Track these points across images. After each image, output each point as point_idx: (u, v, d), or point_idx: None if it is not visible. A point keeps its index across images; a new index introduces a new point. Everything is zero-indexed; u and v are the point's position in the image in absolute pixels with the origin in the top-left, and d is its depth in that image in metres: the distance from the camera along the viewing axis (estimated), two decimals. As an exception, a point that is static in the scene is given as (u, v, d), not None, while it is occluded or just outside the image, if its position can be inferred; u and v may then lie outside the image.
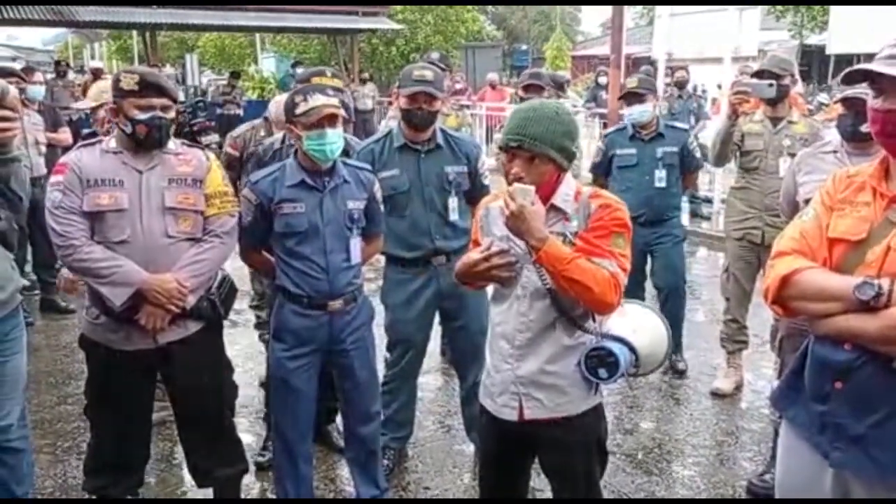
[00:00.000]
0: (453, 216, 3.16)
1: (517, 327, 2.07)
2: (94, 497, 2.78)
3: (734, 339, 4.27)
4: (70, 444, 3.63)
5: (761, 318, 4.44)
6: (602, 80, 11.99)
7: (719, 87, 9.44)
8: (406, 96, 3.04)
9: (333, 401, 3.24)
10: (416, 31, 22.64)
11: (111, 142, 2.55)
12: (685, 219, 7.72)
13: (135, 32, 22.92)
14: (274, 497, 3.07)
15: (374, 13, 19.35)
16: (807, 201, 2.19)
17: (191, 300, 2.52)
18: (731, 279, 4.19)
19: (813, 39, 21.21)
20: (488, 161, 3.58)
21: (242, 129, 4.21)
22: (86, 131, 3.91)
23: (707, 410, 4.07)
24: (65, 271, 3.53)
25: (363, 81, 15.95)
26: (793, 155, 3.49)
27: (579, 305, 2.02)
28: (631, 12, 27.28)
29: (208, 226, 2.59)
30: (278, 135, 3.48)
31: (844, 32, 9.71)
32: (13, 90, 2.29)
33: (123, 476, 2.73)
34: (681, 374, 4.43)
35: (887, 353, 1.58)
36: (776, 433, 2.53)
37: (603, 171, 4.53)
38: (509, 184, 1.99)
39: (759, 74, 3.95)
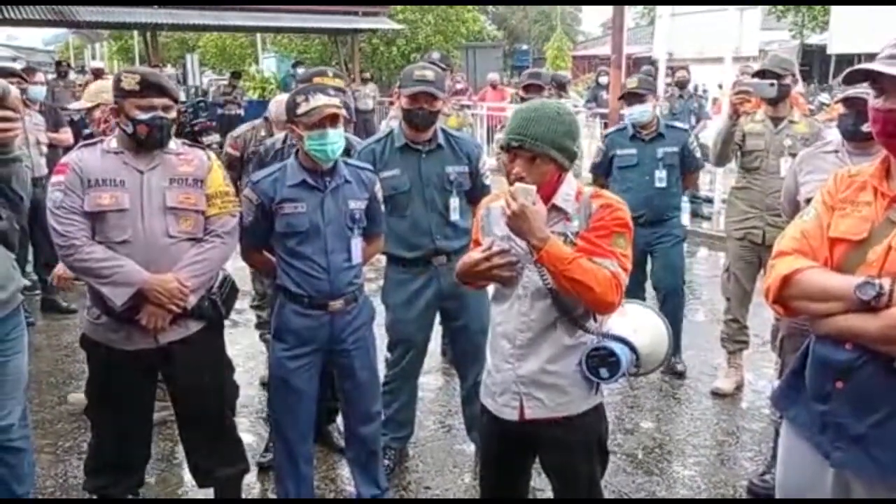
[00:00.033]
0: (454, 216, 3.16)
1: (518, 327, 2.07)
2: (94, 497, 2.79)
3: (735, 338, 4.27)
4: (71, 444, 3.63)
5: (762, 318, 4.44)
6: (603, 80, 11.99)
7: (720, 86, 9.44)
8: (407, 96, 3.04)
9: (334, 401, 3.25)
10: (416, 31, 22.65)
11: (112, 142, 2.55)
12: (686, 219, 7.71)
13: (136, 32, 22.93)
14: (275, 497, 3.07)
15: (374, 13, 19.36)
16: (808, 201, 2.19)
17: (192, 300, 2.52)
18: (731, 279, 4.19)
19: (814, 39, 21.21)
20: (489, 161, 3.58)
21: (243, 129, 4.21)
22: (87, 131, 3.91)
23: (708, 410, 4.07)
24: (58, 268, 3.54)
25: (364, 81, 15.98)
26: (794, 155, 3.48)
27: (580, 305, 2.02)
28: (632, 12, 27.25)
29: (209, 226, 2.59)
30: (280, 135, 3.48)
31: (845, 32, 9.69)
32: (14, 90, 2.30)
33: (124, 476, 2.74)
34: (680, 375, 4.42)
35: (888, 352, 1.58)
36: (777, 433, 2.53)
37: (603, 172, 4.53)
38: (511, 183, 1.99)
39: (760, 74, 3.95)
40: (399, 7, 21.79)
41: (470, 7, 25.23)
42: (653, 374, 4.13)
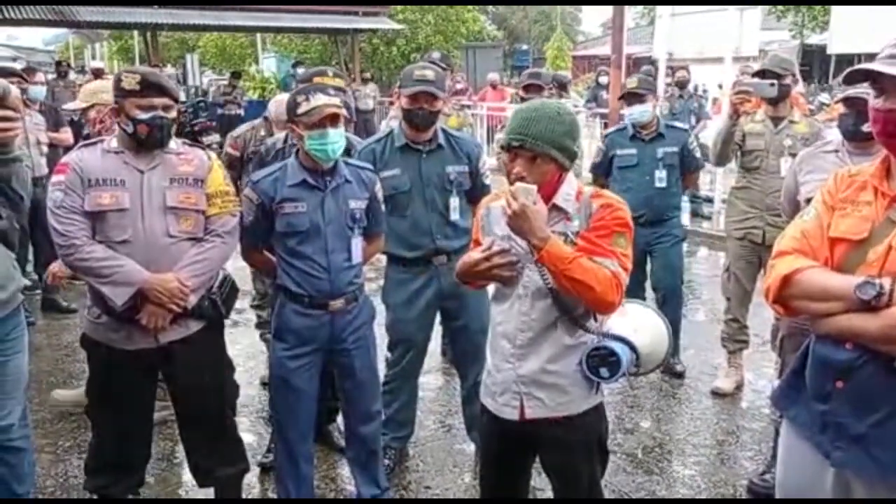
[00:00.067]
0: (454, 216, 3.16)
1: (518, 327, 2.07)
2: (95, 496, 2.79)
3: (735, 338, 4.27)
4: (71, 444, 3.63)
5: (762, 318, 4.44)
6: (603, 79, 11.99)
7: (720, 86, 9.45)
8: (407, 96, 3.04)
9: (334, 400, 3.25)
10: (416, 30, 22.66)
11: (112, 141, 2.56)
12: (686, 218, 7.72)
13: (136, 32, 22.93)
14: (275, 497, 3.07)
15: (374, 13, 19.37)
16: (808, 201, 2.19)
17: (192, 299, 2.52)
18: (731, 279, 4.19)
19: (814, 39, 21.21)
20: (489, 161, 3.58)
21: (243, 129, 4.22)
22: (86, 132, 3.91)
23: (708, 410, 4.07)
24: (53, 266, 3.55)
25: (364, 81, 15.98)
26: (794, 154, 3.48)
27: (581, 305, 2.02)
28: (632, 12, 27.26)
29: (209, 225, 2.59)
30: (280, 134, 3.48)
31: (845, 32, 9.70)
32: (15, 90, 2.30)
33: (124, 475, 2.74)
34: (679, 375, 4.42)
35: (888, 352, 1.58)
36: (777, 432, 2.53)
37: (603, 172, 4.53)
38: (511, 183, 1.99)
39: (760, 74, 3.95)
40: (399, 7, 21.80)
41: (470, 7, 25.23)
42: (653, 374, 4.14)
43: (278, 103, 3.94)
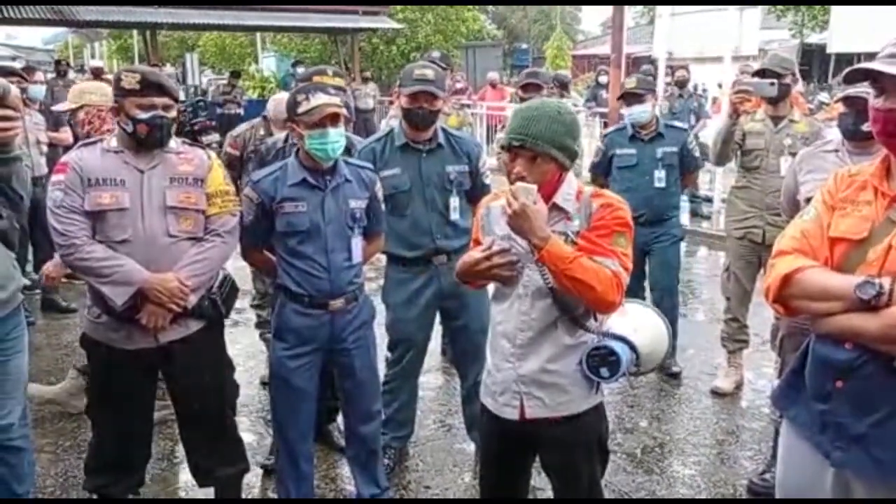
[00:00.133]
0: (454, 215, 3.16)
1: (519, 326, 2.07)
2: (94, 496, 2.79)
3: (735, 338, 4.27)
4: (71, 443, 3.63)
5: (762, 318, 4.45)
6: (603, 79, 11.99)
7: (720, 86, 9.45)
8: (407, 95, 3.04)
9: (334, 400, 3.25)
10: (416, 30, 22.64)
11: (112, 141, 2.55)
12: (685, 218, 7.73)
13: (135, 32, 22.93)
14: (275, 497, 3.07)
15: (374, 12, 19.36)
16: (808, 200, 2.19)
17: (192, 299, 2.52)
18: (731, 278, 4.19)
19: (813, 38, 21.21)
20: (489, 160, 3.58)
21: (242, 128, 4.22)
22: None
23: (707, 409, 4.07)
24: (47, 266, 3.55)
25: (365, 80, 15.97)
26: (794, 154, 3.48)
27: (581, 304, 2.03)
28: (631, 12, 27.28)
29: (209, 225, 2.59)
30: (281, 134, 3.48)
31: (845, 31, 9.71)
32: (15, 90, 2.29)
33: (124, 475, 2.74)
34: (675, 376, 4.40)
35: (888, 352, 1.58)
36: (777, 432, 2.53)
37: (602, 171, 4.53)
38: (512, 183, 1.99)
39: (760, 73, 3.95)
40: (399, 6, 21.78)
41: (470, 6, 25.21)
42: (653, 374, 4.15)
43: (277, 102, 3.95)
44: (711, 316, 5.52)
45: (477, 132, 11.42)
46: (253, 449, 3.44)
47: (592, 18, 45.16)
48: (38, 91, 5.99)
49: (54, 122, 5.68)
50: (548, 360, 2.06)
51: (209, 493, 2.92)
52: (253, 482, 3.27)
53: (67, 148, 4.20)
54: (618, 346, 2.03)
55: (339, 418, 3.27)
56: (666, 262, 4.45)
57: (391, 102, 8.91)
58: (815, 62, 22.07)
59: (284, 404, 2.79)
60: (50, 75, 11.88)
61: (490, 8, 35.67)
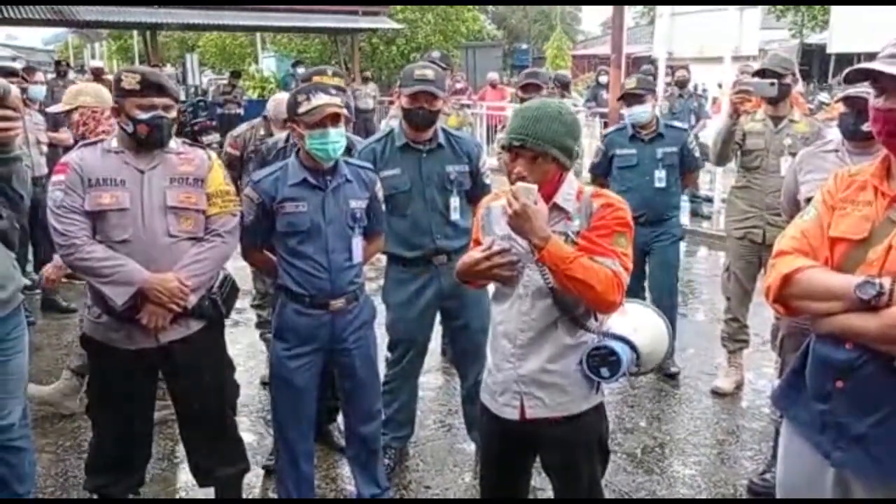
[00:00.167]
0: (455, 215, 3.16)
1: (519, 326, 2.07)
2: (95, 496, 2.79)
3: (735, 338, 4.28)
4: (71, 443, 3.63)
5: (762, 318, 4.45)
6: (603, 79, 11.99)
7: (720, 86, 9.44)
8: (407, 96, 3.04)
9: (334, 400, 3.25)
10: (416, 30, 22.64)
11: (113, 141, 2.56)
12: (685, 218, 7.73)
13: (135, 32, 22.93)
14: (275, 497, 3.07)
15: (374, 12, 19.36)
16: (808, 200, 2.19)
17: (192, 299, 2.52)
18: (731, 278, 4.19)
19: (813, 38, 21.22)
20: (489, 160, 3.58)
21: (242, 128, 4.23)
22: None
23: (708, 409, 4.07)
24: (47, 268, 3.55)
25: (365, 80, 15.97)
26: (794, 154, 3.48)
27: (581, 304, 2.03)
28: (631, 12, 27.31)
29: (210, 225, 2.59)
30: (282, 134, 3.49)
31: (845, 31, 9.72)
32: (15, 90, 2.30)
33: (125, 475, 2.74)
34: (672, 377, 4.39)
35: (888, 352, 1.58)
36: (777, 432, 2.53)
37: (602, 172, 4.53)
38: (512, 183, 1.99)
39: (760, 73, 3.95)
40: (399, 6, 21.78)
41: (470, 6, 25.21)
42: (653, 374, 4.15)
43: (277, 102, 3.95)
44: (711, 316, 5.52)
45: (477, 132, 11.42)
46: (253, 449, 3.44)
47: (592, 18, 45.26)
48: (39, 91, 6.00)
49: (54, 122, 5.68)
50: (548, 360, 2.06)
51: (209, 493, 2.92)
52: (253, 482, 3.27)
53: (67, 148, 4.21)
54: (618, 346, 2.03)
55: (340, 418, 3.27)
56: (666, 261, 4.45)
57: (391, 102, 8.91)
58: (815, 62, 22.08)
59: (285, 404, 2.80)
60: (50, 76, 11.89)
61: (490, 8, 35.68)
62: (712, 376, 4.39)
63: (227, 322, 2.84)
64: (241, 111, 13.29)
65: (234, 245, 2.70)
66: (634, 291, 3.80)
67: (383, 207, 2.90)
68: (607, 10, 19.74)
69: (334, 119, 2.59)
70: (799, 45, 20.98)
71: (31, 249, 5.46)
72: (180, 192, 2.53)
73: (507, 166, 2.10)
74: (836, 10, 10.44)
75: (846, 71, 1.73)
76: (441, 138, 3.15)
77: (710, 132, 6.08)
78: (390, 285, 3.30)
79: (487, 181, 3.24)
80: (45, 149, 5.38)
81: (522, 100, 4.99)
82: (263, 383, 4.13)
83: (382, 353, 3.23)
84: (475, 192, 3.15)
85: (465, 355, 3.39)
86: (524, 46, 30.36)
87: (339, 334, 2.75)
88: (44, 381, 4.21)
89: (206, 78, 21.14)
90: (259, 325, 4.27)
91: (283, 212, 2.64)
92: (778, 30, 21.26)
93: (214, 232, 2.59)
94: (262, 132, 4.07)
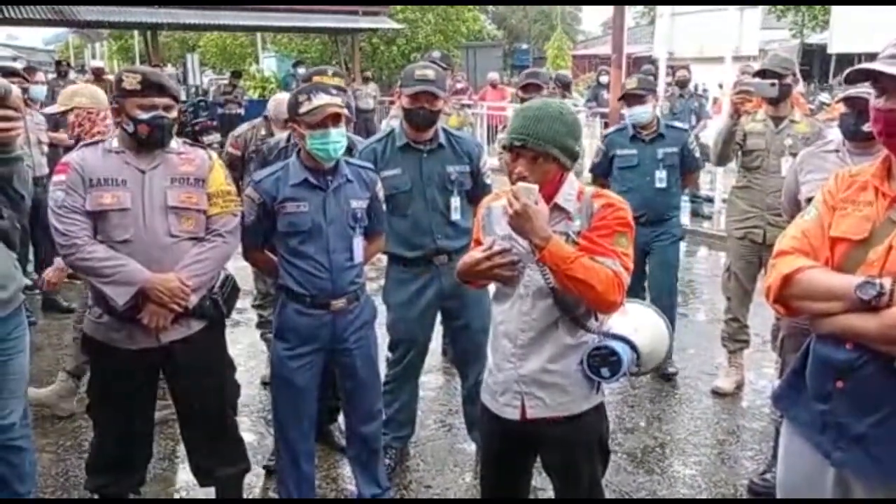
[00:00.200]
0: (455, 216, 3.17)
1: (520, 326, 2.07)
2: (96, 496, 2.79)
3: (735, 338, 4.28)
4: (72, 443, 3.63)
5: (762, 318, 4.44)
6: (603, 79, 11.98)
7: (720, 86, 9.45)
8: (408, 96, 3.04)
9: (335, 400, 3.25)
10: (416, 30, 22.64)
11: (114, 141, 2.56)
12: (686, 218, 7.73)
13: (136, 32, 22.91)
14: (275, 497, 3.07)
15: (374, 12, 19.35)
16: (808, 200, 2.19)
17: (193, 299, 2.53)
18: (732, 278, 4.19)
19: (814, 39, 21.21)
20: (490, 160, 3.58)
21: (243, 128, 4.23)
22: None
23: (708, 409, 4.07)
24: (48, 272, 3.56)
25: (366, 80, 15.97)
26: (795, 154, 3.49)
27: (582, 305, 2.03)
28: (632, 12, 27.29)
29: (211, 225, 2.60)
30: (283, 134, 3.49)
31: (846, 32, 9.70)
32: (16, 90, 2.29)
33: (125, 475, 2.74)
34: (669, 378, 4.37)
35: (888, 352, 1.58)
36: (777, 432, 2.53)
37: (602, 172, 4.52)
38: (513, 183, 1.99)
39: (761, 74, 3.95)
40: (399, 6, 21.78)
41: (470, 6, 25.21)
42: (652, 374, 4.15)
43: (277, 102, 3.96)
44: (712, 316, 5.52)
45: (477, 132, 11.43)
46: (254, 449, 3.44)
47: (593, 18, 45.29)
48: (40, 91, 6.00)
49: (55, 122, 5.68)
50: (549, 360, 2.06)
51: (210, 492, 2.92)
52: (253, 482, 3.27)
53: (68, 148, 4.21)
54: (619, 346, 2.03)
55: (340, 418, 3.27)
56: (665, 261, 4.45)
57: (392, 103, 8.90)
58: (815, 62, 22.07)
59: (286, 404, 2.80)
60: (51, 76, 11.90)
61: (490, 8, 35.68)
62: (712, 376, 4.39)
63: (228, 322, 2.84)
64: (241, 111, 13.29)
65: (235, 245, 2.70)
66: (635, 291, 3.81)
67: (384, 207, 2.90)
68: (608, 11, 19.76)
69: (335, 119, 2.59)
70: (799, 46, 20.97)
71: (31, 249, 5.46)
72: (181, 192, 2.53)
73: (508, 166, 2.10)
74: (836, 11, 10.43)
75: (847, 71, 1.73)
76: (442, 138, 3.15)
77: (710, 132, 6.09)
78: (391, 285, 3.30)
79: (488, 181, 3.25)
80: (45, 149, 5.38)
81: (523, 100, 4.99)
82: (264, 383, 4.14)
83: (383, 353, 3.23)
84: (476, 192, 3.15)
85: (465, 355, 3.39)
86: (525, 46, 30.37)
87: (339, 334, 2.75)
88: (44, 380, 4.21)
89: (206, 78, 21.14)
90: (260, 325, 4.27)
91: (285, 212, 2.64)
92: (778, 30, 21.25)
93: (215, 232, 2.59)
94: (263, 132, 4.07)
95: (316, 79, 3.23)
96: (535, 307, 2.05)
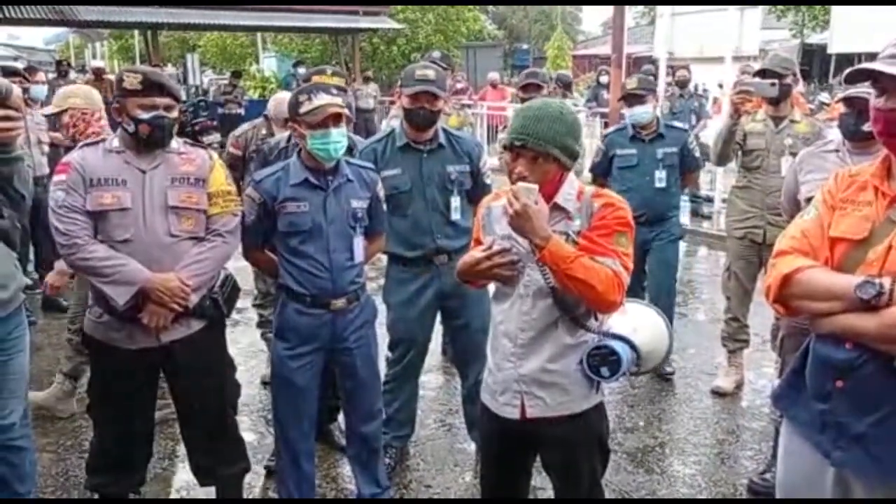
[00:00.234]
0: (455, 215, 3.17)
1: (520, 326, 2.07)
2: (96, 495, 2.79)
3: (735, 337, 4.28)
4: (72, 443, 3.64)
5: (762, 317, 4.45)
6: (603, 79, 11.99)
7: (720, 86, 9.45)
8: (408, 96, 3.04)
9: (335, 399, 3.25)
10: (416, 30, 22.63)
11: (114, 141, 2.56)
12: (686, 218, 7.73)
13: (136, 32, 22.92)
14: (275, 496, 3.07)
15: (375, 12, 19.35)
16: (808, 200, 2.19)
17: (193, 299, 2.53)
18: (732, 278, 4.19)
19: (814, 38, 21.21)
20: (490, 160, 3.59)
21: (244, 128, 4.24)
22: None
23: (708, 409, 4.07)
24: (50, 276, 3.55)
25: (366, 80, 15.97)
26: (795, 154, 3.49)
27: (582, 304, 2.03)
28: (632, 12, 27.31)
29: (211, 225, 2.60)
30: (284, 133, 3.49)
31: (846, 32, 9.70)
32: (17, 90, 2.30)
33: (126, 474, 2.75)
34: (666, 378, 4.37)
35: (888, 351, 1.58)
36: (777, 432, 2.54)
37: (602, 172, 4.53)
38: (513, 182, 1.99)
39: (761, 74, 3.96)
40: (399, 6, 21.78)
41: (470, 6, 25.21)
42: (651, 374, 4.15)
43: (278, 101, 3.96)
44: (712, 316, 5.52)
45: (477, 132, 11.43)
46: (253, 448, 3.44)
47: (593, 18, 45.28)
48: (40, 91, 6.00)
49: (55, 122, 5.67)
50: (548, 359, 2.06)
51: (210, 492, 2.92)
52: (254, 482, 3.27)
53: (69, 148, 4.21)
54: (618, 346, 2.04)
55: (340, 417, 3.27)
56: (664, 259, 4.45)
57: (392, 103, 8.91)
58: (815, 62, 22.06)
59: (286, 404, 2.80)
60: (51, 75, 11.90)
61: (490, 8, 35.67)
62: (712, 376, 4.39)
63: (228, 322, 2.84)
64: (241, 111, 13.30)
65: (236, 245, 2.70)
66: (634, 291, 3.80)
67: (384, 207, 2.90)
68: (608, 11, 19.76)
69: (336, 119, 2.59)
70: (799, 46, 20.97)
71: (32, 249, 5.46)
72: (181, 192, 2.53)
73: (508, 166, 2.10)
74: (836, 11, 10.43)
75: (847, 71, 1.74)
76: (442, 138, 3.16)
77: (710, 132, 6.08)
78: (391, 285, 3.31)
79: (488, 181, 3.25)
80: (46, 149, 5.38)
81: (523, 100, 4.99)
82: (264, 383, 4.14)
83: (383, 353, 3.24)
84: (476, 192, 3.15)
85: (465, 355, 3.39)
86: (525, 46, 30.37)
87: (340, 334, 2.75)
88: (45, 380, 4.21)
89: (206, 78, 21.14)
90: (260, 325, 4.28)
91: (285, 211, 2.64)
92: (778, 30, 21.25)
93: (216, 232, 2.59)
94: (263, 132, 4.07)
95: (315, 78, 3.23)
96: (534, 307, 2.05)
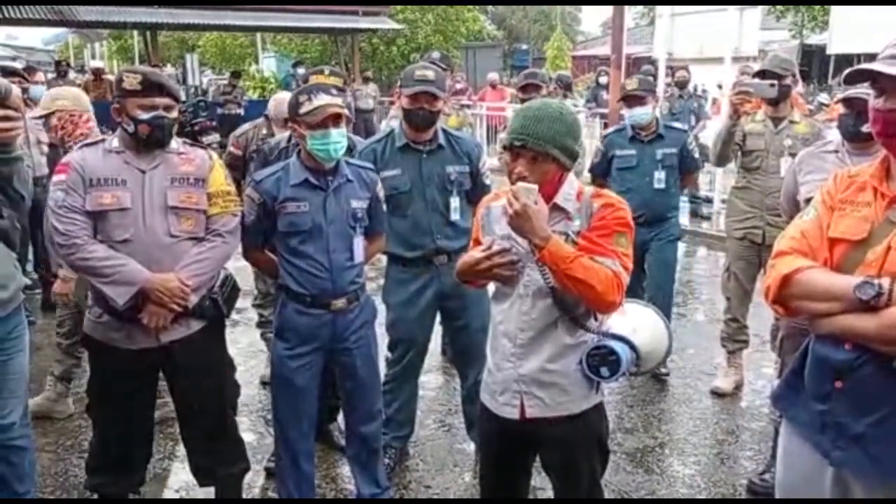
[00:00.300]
0: (455, 216, 3.17)
1: (519, 326, 2.08)
2: (95, 495, 2.79)
3: (735, 338, 4.28)
4: (72, 443, 3.64)
5: (762, 318, 4.45)
6: (603, 79, 11.99)
7: (720, 87, 9.45)
8: (408, 96, 3.05)
9: (335, 399, 3.25)
10: (416, 30, 22.65)
11: (114, 141, 2.56)
12: (685, 218, 7.73)
13: (135, 32, 22.91)
14: (275, 496, 3.07)
15: (374, 13, 19.35)
16: (807, 201, 2.19)
17: (193, 299, 2.53)
18: (731, 278, 4.20)
19: (813, 39, 21.21)
20: (490, 160, 3.59)
21: (245, 128, 4.24)
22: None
23: (707, 409, 4.07)
24: (57, 284, 3.55)
25: (365, 81, 15.98)
26: (794, 155, 3.49)
27: (581, 304, 2.03)
28: (632, 12, 27.33)
29: (211, 225, 2.60)
30: (284, 133, 3.50)
31: (845, 32, 9.71)
32: (16, 90, 2.30)
33: (125, 474, 2.75)
34: (662, 379, 4.36)
35: (887, 352, 1.59)
36: (776, 432, 2.54)
37: (601, 172, 4.53)
38: (513, 183, 1.99)
39: (760, 74, 3.96)
40: (399, 7, 21.79)
41: (470, 7, 25.22)
42: (649, 375, 4.16)
43: (278, 101, 3.96)
44: (711, 316, 5.53)
45: (477, 133, 11.43)
46: (253, 448, 3.44)
47: (592, 19, 45.28)
48: (39, 91, 5.98)
49: (46, 125, 5.66)
50: (548, 359, 2.07)
51: (209, 492, 2.92)
52: (253, 482, 3.27)
53: (69, 149, 4.20)
54: (618, 346, 2.04)
55: (340, 418, 3.27)
56: (663, 259, 4.46)
57: (391, 103, 8.91)
58: (814, 63, 22.07)
59: (285, 404, 2.80)
60: (51, 75, 11.89)
61: (490, 8, 35.67)
62: (712, 376, 4.40)
63: (228, 322, 2.84)
64: (241, 111, 13.30)
65: (235, 245, 2.70)
66: (633, 291, 3.81)
67: (384, 207, 2.91)
68: (607, 11, 19.77)
69: (336, 119, 2.60)
70: (799, 46, 20.98)
71: (31, 249, 5.46)
72: (181, 192, 2.53)
73: (508, 166, 2.10)
74: (836, 11, 10.44)
75: (846, 72, 1.74)
76: (441, 139, 3.16)
77: (709, 133, 6.09)
78: (391, 285, 3.31)
79: (487, 181, 3.25)
80: (45, 149, 5.35)
81: (522, 100, 4.99)
82: (264, 383, 4.14)
83: (383, 353, 3.24)
84: (475, 192, 3.15)
85: (464, 355, 3.39)
86: (524, 47, 30.36)
87: (339, 334, 2.75)
88: (44, 380, 4.22)
89: (206, 78, 21.15)
90: (260, 325, 4.28)
91: (285, 212, 2.64)
92: (778, 30, 21.26)
93: (215, 232, 2.60)
94: (264, 132, 4.08)
95: (313, 78, 3.23)
96: (534, 307, 2.05)
